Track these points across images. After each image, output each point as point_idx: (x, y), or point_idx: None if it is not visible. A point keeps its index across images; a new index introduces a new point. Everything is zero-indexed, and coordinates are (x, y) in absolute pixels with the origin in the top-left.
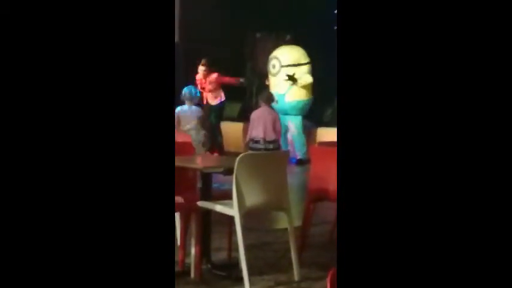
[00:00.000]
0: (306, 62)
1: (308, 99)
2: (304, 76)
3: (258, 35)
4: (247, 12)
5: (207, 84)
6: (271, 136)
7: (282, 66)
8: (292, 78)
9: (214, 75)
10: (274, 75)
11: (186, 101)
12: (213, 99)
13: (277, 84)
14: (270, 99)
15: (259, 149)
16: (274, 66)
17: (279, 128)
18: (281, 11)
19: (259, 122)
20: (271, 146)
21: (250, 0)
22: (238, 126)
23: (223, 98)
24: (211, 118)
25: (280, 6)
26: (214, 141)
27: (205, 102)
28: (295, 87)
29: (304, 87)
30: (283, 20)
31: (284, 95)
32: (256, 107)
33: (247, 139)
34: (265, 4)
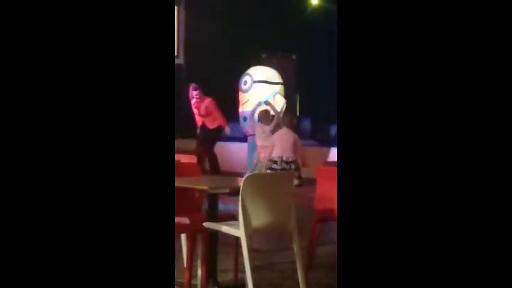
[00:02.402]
0: (278, 82)
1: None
2: (277, 96)
3: (263, 55)
4: (253, 33)
5: (202, 109)
6: (289, 156)
7: (254, 82)
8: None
9: (207, 100)
10: (245, 91)
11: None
12: (211, 123)
13: (247, 101)
14: (291, 122)
15: (276, 169)
16: (246, 83)
17: (299, 150)
18: (286, 31)
19: (278, 143)
20: (288, 167)
21: (256, 21)
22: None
23: (223, 124)
24: (205, 141)
25: (286, 26)
26: (201, 164)
27: (200, 125)
28: (264, 105)
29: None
30: (288, 40)
31: (254, 111)
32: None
33: (267, 159)
34: (270, 25)
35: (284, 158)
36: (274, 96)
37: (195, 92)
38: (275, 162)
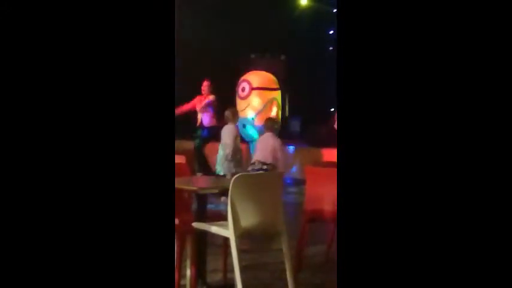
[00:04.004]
0: (276, 87)
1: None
2: (274, 103)
3: (252, 55)
4: (242, 33)
5: (200, 103)
6: (267, 159)
7: (253, 89)
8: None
9: (210, 97)
10: (243, 98)
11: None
12: (207, 121)
13: (246, 108)
14: (273, 126)
15: (253, 171)
16: (243, 89)
17: (278, 155)
18: (275, 31)
19: (259, 147)
20: (264, 167)
21: (245, 21)
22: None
23: (217, 124)
24: (198, 140)
25: (275, 27)
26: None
27: (199, 123)
28: (264, 112)
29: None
30: (277, 41)
31: (253, 119)
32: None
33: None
34: (259, 25)
35: (262, 160)
36: (272, 102)
37: (205, 83)
38: (252, 163)
